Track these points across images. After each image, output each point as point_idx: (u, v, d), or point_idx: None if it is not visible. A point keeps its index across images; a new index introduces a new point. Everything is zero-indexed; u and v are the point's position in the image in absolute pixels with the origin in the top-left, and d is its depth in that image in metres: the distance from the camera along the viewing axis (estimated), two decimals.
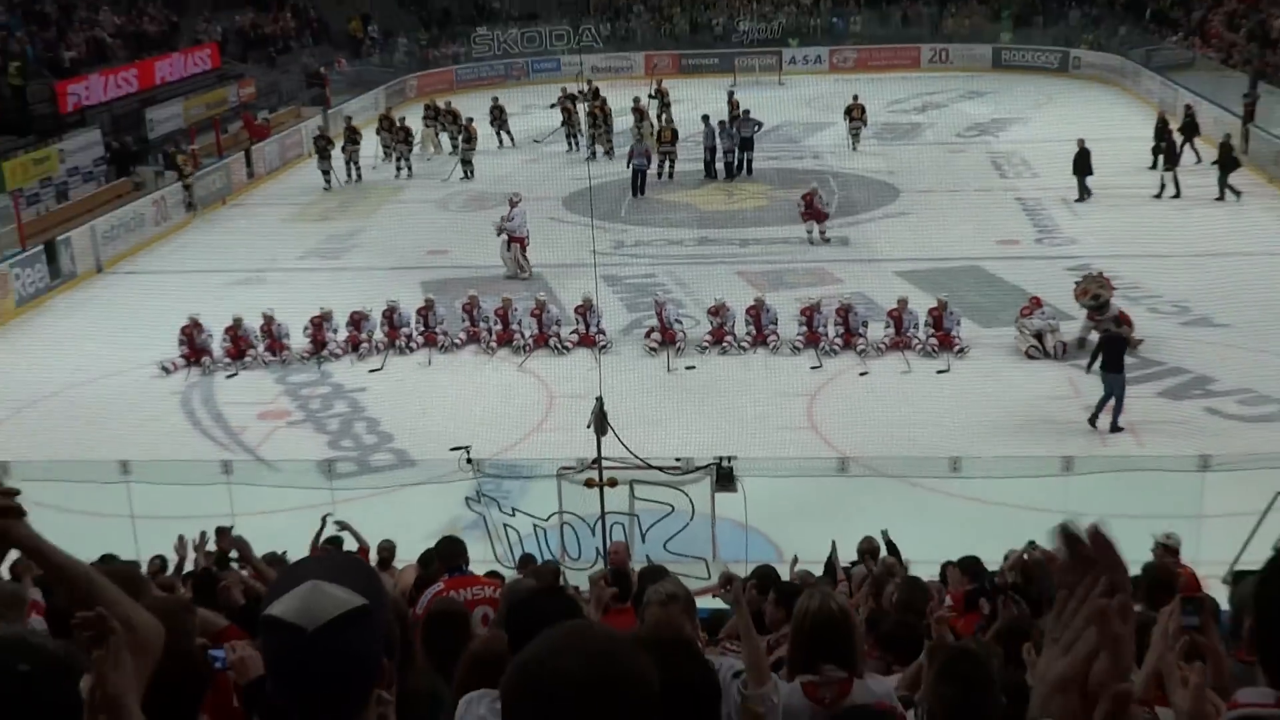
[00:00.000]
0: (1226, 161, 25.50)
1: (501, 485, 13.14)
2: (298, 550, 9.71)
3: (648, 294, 20.77)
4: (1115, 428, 15.25)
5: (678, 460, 12.53)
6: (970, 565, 9.15)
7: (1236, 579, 8.47)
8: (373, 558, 10.59)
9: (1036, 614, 6.59)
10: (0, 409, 17.20)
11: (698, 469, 12.37)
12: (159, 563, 10.21)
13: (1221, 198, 25.37)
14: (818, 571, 10.37)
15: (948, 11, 45.62)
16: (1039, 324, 17.94)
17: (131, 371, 18.54)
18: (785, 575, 9.57)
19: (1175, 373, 17.02)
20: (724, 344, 18.52)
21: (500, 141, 33.58)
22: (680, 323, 19.08)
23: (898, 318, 18.33)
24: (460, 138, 31.12)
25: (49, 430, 16.29)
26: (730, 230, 25.30)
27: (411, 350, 18.96)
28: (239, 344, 18.74)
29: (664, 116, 32.49)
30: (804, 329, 18.46)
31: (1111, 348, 15.42)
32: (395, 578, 9.73)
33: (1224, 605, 6.34)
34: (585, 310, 18.98)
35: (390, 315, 19.13)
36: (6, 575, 6.81)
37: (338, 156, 30.45)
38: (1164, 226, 23.97)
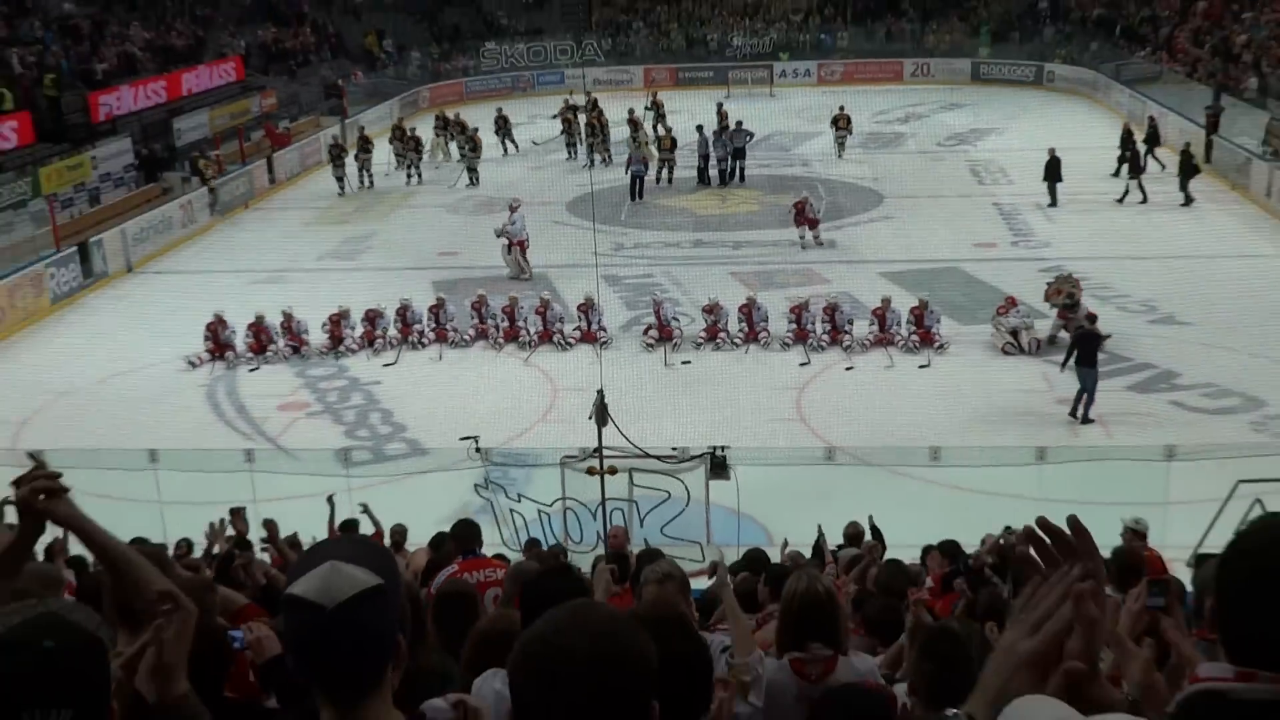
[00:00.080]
0: (1187, 168, 25.61)
1: (508, 473, 13.13)
2: (316, 533, 9.71)
3: (646, 293, 20.77)
4: (1086, 419, 15.26)
5: (674, 450, 12.53)
6: (950, 549, 9.16)
7: (1199, 562, 8.47)
8: (385, 541, 10.59)
9: (1014, 594, 6.60)
10: (36, 400, 17.19)
11: (693, 458, 12.37)
12: (184, 545, 10.21)
13: (1186, 203, 25.41)
14: (807, 554, 10.37)
15: (929, 28, 45.68)
16: (1014, 322, 17.96)
17: (159, 365, 18.54)
18: (776, 558, 9.58)
19: (1142, 368, 17.03)
20: (718, 340, 18.52)
21: (505, 150, 33.58)
22: (677, 320, 19.10)
23: (881, 316, 18.33)
24: (466, 147, 31.12)
25: (82, 420, 16.28)
26: (724, 233, 25.32)
27: (423, 346, 18.96)
28: (261, 340, 18.73)
29: (659, 126, 32.67)
30: (793, 326, 18.45)
31: (1085, 344, 15.43)
32: (407, 559, 9.73)
33: (1189, 587, 6.34)
34: (587, 308, 18.98)
35: (403, 313, 19.13)
36: (41, 557, 6.81)
37: (351, 164, 30.45)
38: (1132, 230, 24.00)
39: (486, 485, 12.56)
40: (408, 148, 31.33)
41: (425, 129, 33.62)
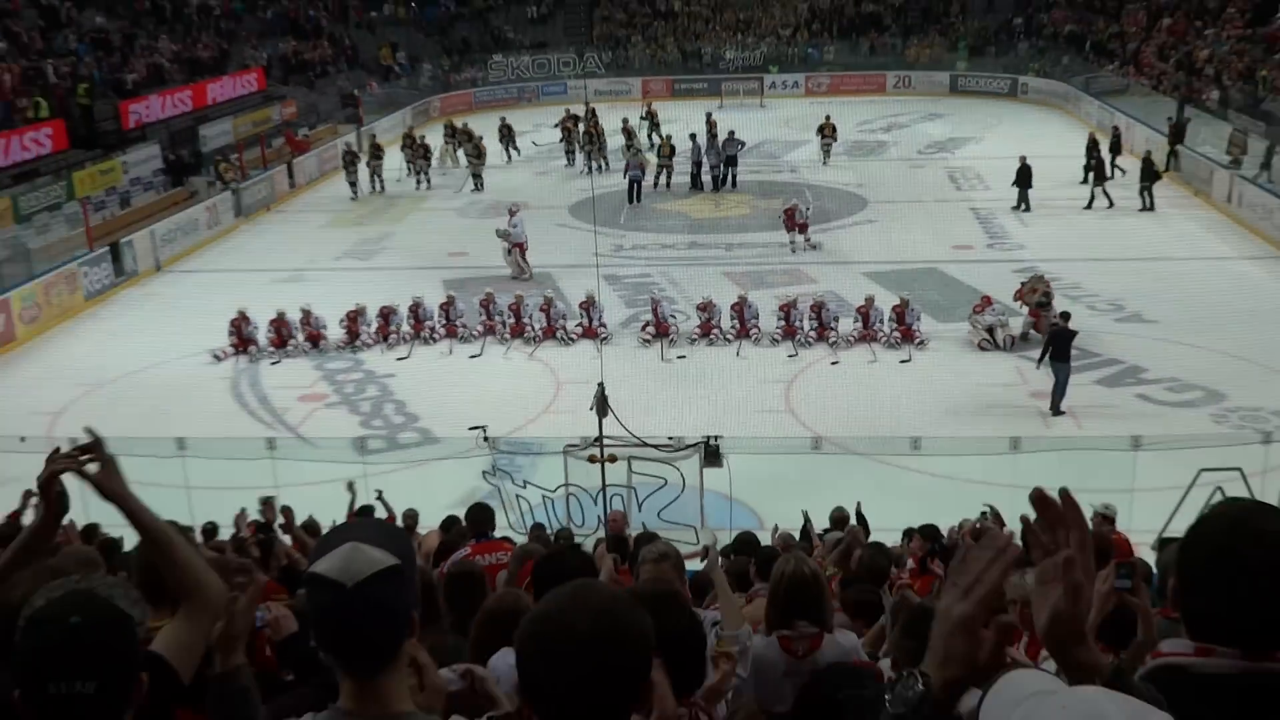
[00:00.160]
0: (1148, 174, 25.65)
1: (514, 460, 13.16)
2: (335, 517, 9.72)
3: (644, 292, 20.76)
4: (1057, 411, 15.27)
5: (670, 439, 12.54)
6: (929, 532, 9.19)
7: (1163, 545, 8.50)
8: (399, 524, 10.60)
9: None
10: (71, 391, 17.18)
11: (688, 447, 12.37)
12: (210, 528, 10.22)
13: (1151, 207, 25.43)
14: (796, 537, 10.39)
15: (910, 43, 45.62)
16: (990, 319, 17.97)
17: (186, 359, 18.53)
18: (766, 541, 9.60)
19: (1110, 363, 17.03)
20: (711, 336, 18.51)
21: (509, 157, 33.56)
22: (673, 317, 19.11)
23: (865, 313, 18.34)
24: (472, 154, 31.09)
25: (113, 410, 16.26)
26: (717, 235, 25.29)
27: (435, 341, 18.94)
28: (282, 335, 18.73)
29: (654, 135, 32.71)
30: (782, 323, 18.44)
31: (1060, 340, 15.44)
32: (419, 542, 9.73)
33: (1154, 569, 6.36)
34: (588, 306, 18.97)
35: (416, 310, 19.12)
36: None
37: (363, 170, 30.42)
38: (1101, 234, 24.00)
39: (494, 472, 12.58)
40: (417, 155, 31.28)
41: (435, 137, 33.61)
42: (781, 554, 5.62)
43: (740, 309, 18.68)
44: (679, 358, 18.09)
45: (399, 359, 18.45)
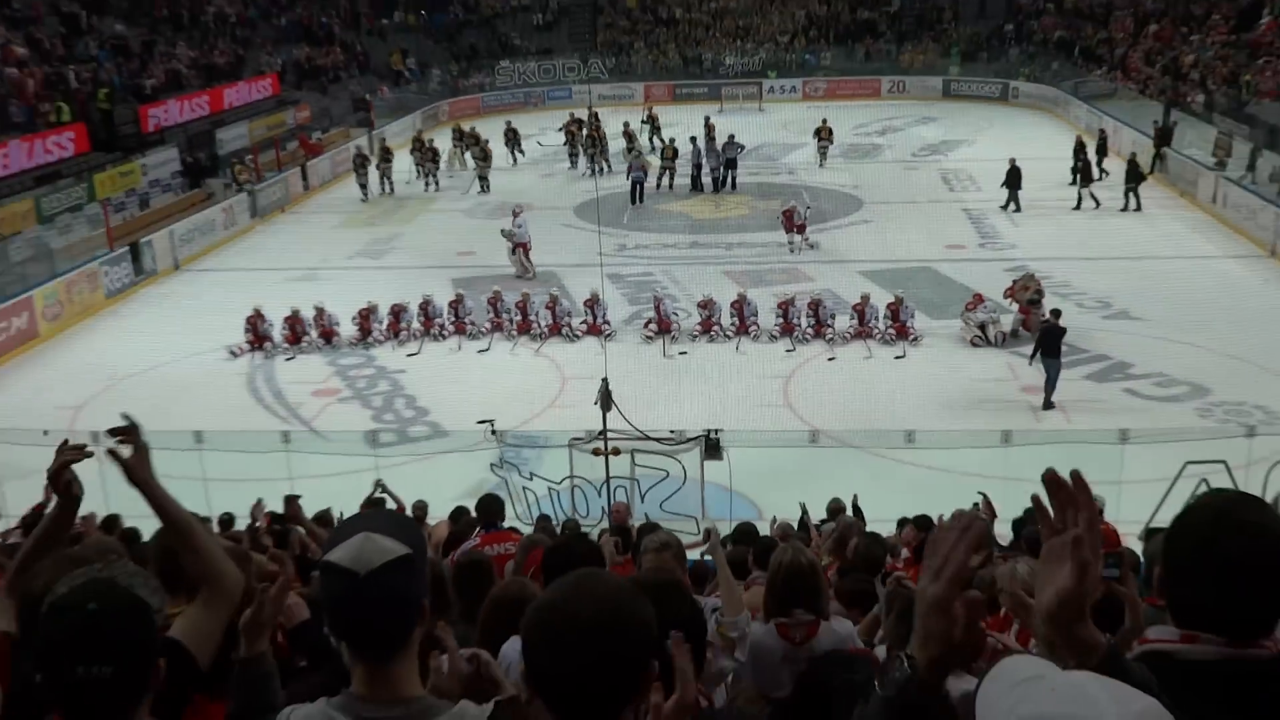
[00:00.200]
0: (1133, 175, 25.61)
1: (521, 453, 13.14)
2: (348, 508, 9.71)
3: (647, 290, 20.76)
4: (1048, 405, 15.26)
5: (672, 432, 12.53)
6: (923, 522, 9.18)
7: (1150, 535, 8.49)
8: (408, 514, 10.58)
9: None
10: (92, 385, 17.20)
11: (689, 440, 12.36)
12: (226, 518, 10.22)
13: (1138, 208, 25.40)
14: (795, 526, 10.39)
15: (904, 49, 45.57)
16: (982, 316, 17.95)
17: (203, 355, 18.54)
18: (765, 531, 9.59)
19: (1099, 359, 17.02)
20: (712, 333, 18.51)
21: (514, 160, 33.54)
22: (675, 315, 19.10)
23: (861, 311, 18.32)
24: (478, 157, 31.07)
25: (133, 404, 16.03)
26: (718, 235, 25.27)
27: (444, 337, 18.95)
28: (296, 331, 18.74)
29: (655, 139, 32.70)
30: (780, 320, 18.43)
31: (1050, 337, 15.43)
32: (429, 532, 9.72)
33: (1141, 558, 6.35)
34: (593, 304, 18.97)
35: (425, 307, 19.12)
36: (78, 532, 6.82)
37: (373, 173, 30.41)
38: (1089, 234, 23.97)
39: (501, 464, 12.57)
40: (426, 158, 31.28)
41: (443, 140, 33.63)
42: (780, 544, 5.61)
43: (740, 307, 18.67)
44: (680, 354, 18.09)
45: (409, 355, 18.45)
